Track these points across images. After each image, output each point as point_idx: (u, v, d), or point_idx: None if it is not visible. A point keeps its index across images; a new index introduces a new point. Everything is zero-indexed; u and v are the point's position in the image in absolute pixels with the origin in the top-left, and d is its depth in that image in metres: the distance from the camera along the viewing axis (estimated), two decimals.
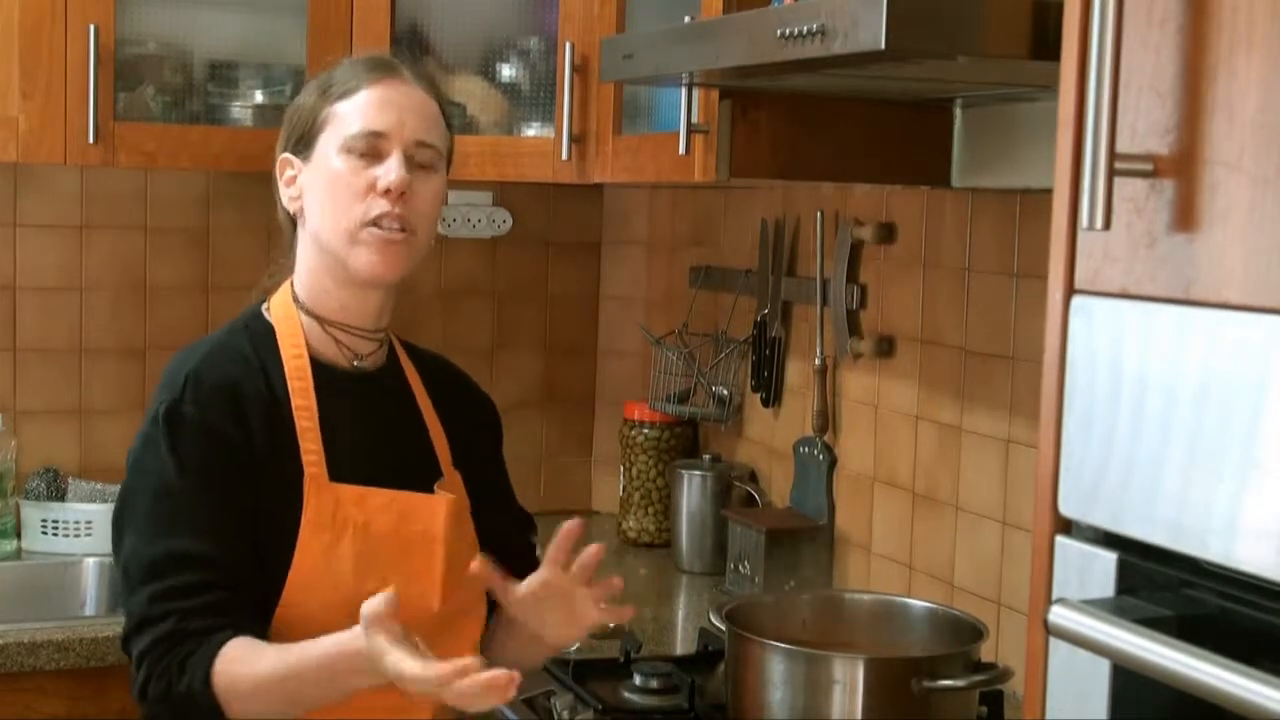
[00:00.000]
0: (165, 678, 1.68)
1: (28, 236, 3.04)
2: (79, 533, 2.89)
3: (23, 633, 2.44)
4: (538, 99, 2.84)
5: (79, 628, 2.46)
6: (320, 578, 1.75)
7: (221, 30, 2.90)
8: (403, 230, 1.81)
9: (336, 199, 1.81)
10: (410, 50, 2.87)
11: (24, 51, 2.66)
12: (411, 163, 1.82)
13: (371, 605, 1.55)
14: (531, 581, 1.77)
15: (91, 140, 2.68)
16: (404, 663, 1.54)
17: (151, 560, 1.72)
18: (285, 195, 1.88)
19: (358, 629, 1.57)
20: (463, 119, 2.87)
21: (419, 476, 1.87)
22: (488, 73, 2.90)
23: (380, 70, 1.86)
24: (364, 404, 1.87)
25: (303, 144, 1.86)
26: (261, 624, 1.72)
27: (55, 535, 2.90)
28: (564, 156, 2.64)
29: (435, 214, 1.87)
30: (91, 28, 2.66)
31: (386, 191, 1.79)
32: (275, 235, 1.98)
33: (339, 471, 1.79)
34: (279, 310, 1.87)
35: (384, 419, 1.90)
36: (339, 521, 1.77)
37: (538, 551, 1.92)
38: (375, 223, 1.80)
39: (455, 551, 1.83)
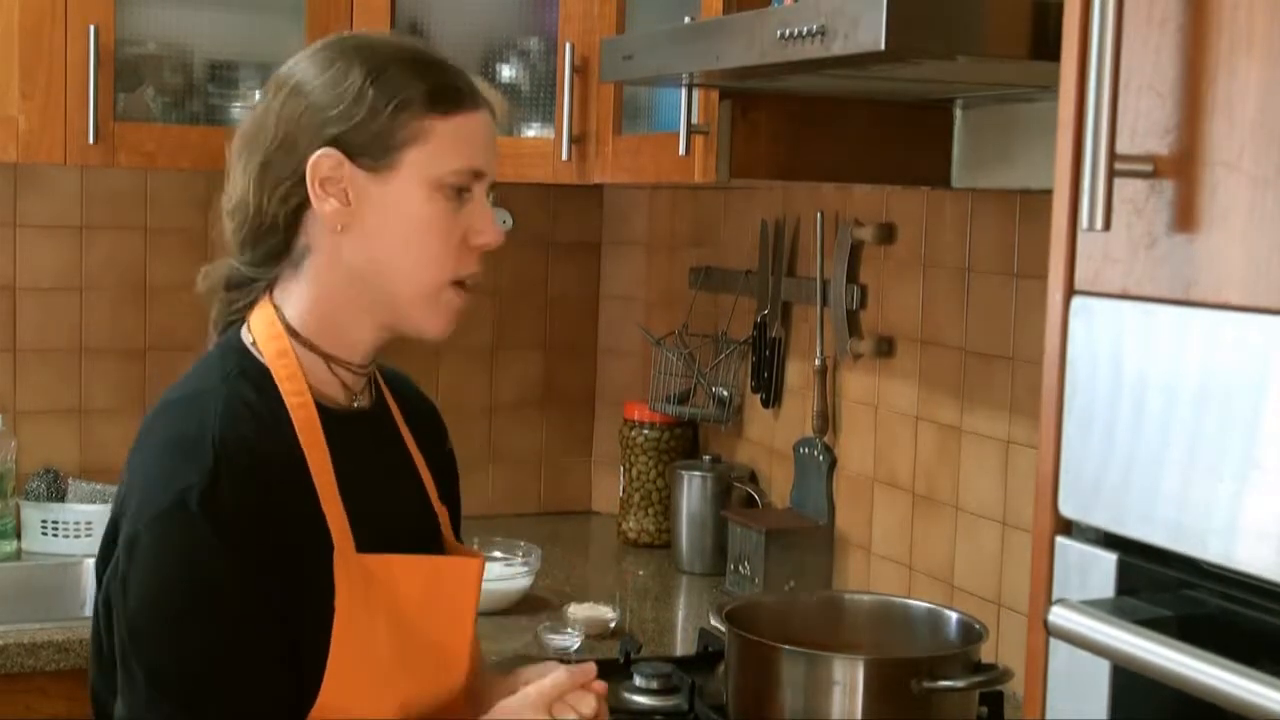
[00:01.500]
0: None
1: (28, 236, 3.04)
2: (79, 533, 2.89)
3: (23, 633, 2.44)
4: (538, 99, 2.84)
5: (79, 628, 2.46)
6: (361, 667, 1.50)
7: (221, 30, 2.91)
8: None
9: (425, 245, 1.53)
10: None
11: (24, 51, 2.66)
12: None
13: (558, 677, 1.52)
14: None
15: (91, 140, 2.68)
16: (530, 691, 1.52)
17: (209, 670, 1.44)
18: (325, 204, 1.52)
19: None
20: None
21: (425, 525, 1.69)
22: (488, 73, 2.90)
23: (477, 93, 1.57)
24: (369, 450, 1.61)
25: (371, 152, 1.51)
26: None
27: (55, 536, 2.90)
28: (564, 157, 2.64)
29: None
30: (91, 28, 2.66)
31: (484, 248, 1.57)
32: None
33: (362, 537, 1.52)
34: (267, 344, 1.56)
35: (387, 465, 1.66)
36: (373, 600, 1.51)
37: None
38: (461, 284, 1.58)
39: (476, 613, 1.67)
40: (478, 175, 1.55)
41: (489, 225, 1.56)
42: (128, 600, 1.46)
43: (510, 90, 2.89)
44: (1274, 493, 1.02)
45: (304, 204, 1.54)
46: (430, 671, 1.58)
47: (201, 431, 1.46)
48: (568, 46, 2.63)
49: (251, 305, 1.60)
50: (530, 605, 2.66)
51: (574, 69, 2.63)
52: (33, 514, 2.93)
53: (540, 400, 3.44)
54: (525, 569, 2.68)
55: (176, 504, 1.43)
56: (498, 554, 2.68)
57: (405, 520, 1.65)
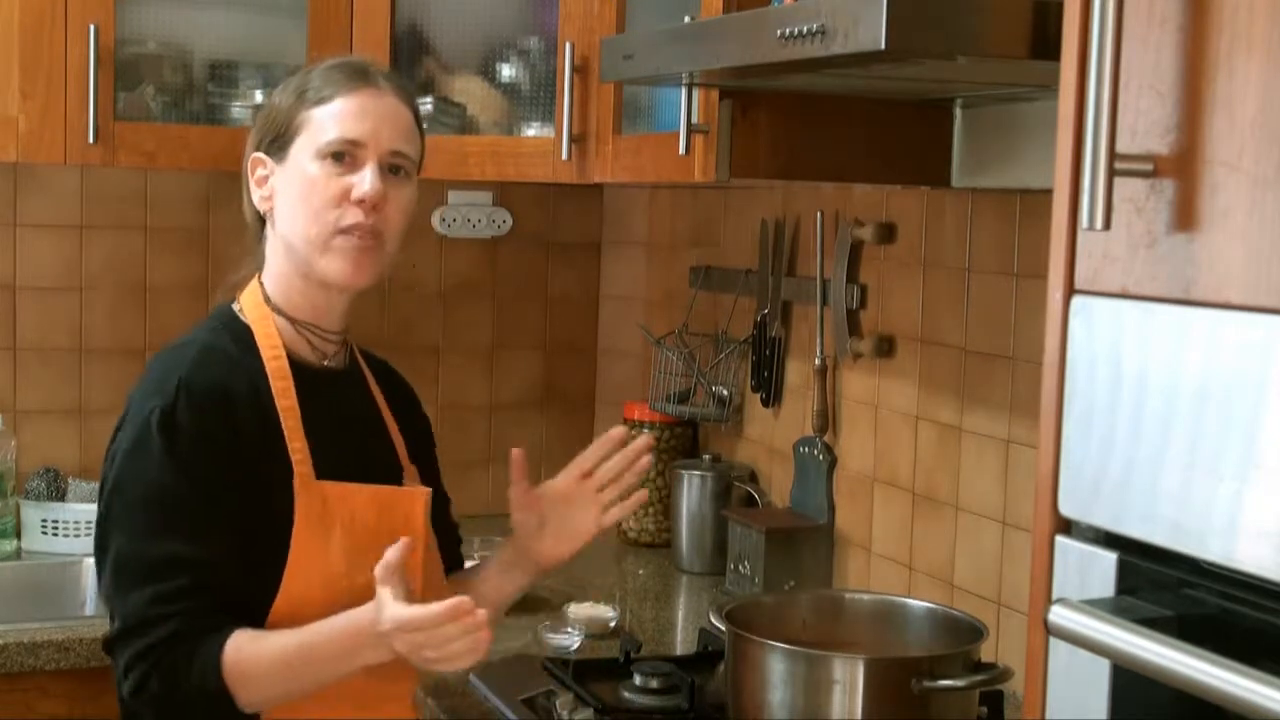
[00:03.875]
0: (171, 675, 1.72)
1: (28, 236, 3.04)
2: (79, 533, 2.89)
3: (23, 633, 2.44)
4: (538, 99, 2.84)
5: (79, 628, 2.46)
6: (314, 574, 1.79)
7: (221, 30, 2.91)
8: (374, 238, 1.85)
9: (309, 205, 1.84)
10: (410, 50, 2.87)
11: (24, 51, 2.67)
12: (385, 171, 1.85)
13: (389, 554, 1.70)
14: (548, 485, 1.99)
15: (91, 140, 2.68)
16: (401, 610, 1.67)
17: (150, 562, 1.74)
18: (256, 195, 1.90)
19: (368, 605, 1.71)
20: (463, 119, 2.87)
21: (387, 471, 1.94)
22: (488, 73, 2.90)
23: (357, 79, 1.87)
24: (336, 402, 1.91)
25: (276, 145, 1.88)
26: (256, 623, 1.76)
27: (55, 535, 2.91)
28: (564, 156, 2.64)
29: (405, 222, 1.90)
30: (91, 28, 2.66)
31: (360, 201, 1.83)
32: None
33: (322, 469, 1.82)
34: (252, 310, 1.89)
35: (353, 416, 1.95)
36: (328, 518, 1.81)
37: (466, 564, 2.13)
38: (347, 231, 1.84)
39: (428, 544, 1.92)
40: (353, 143, 1.84)
41: (366, 180, 1.83)
42: (104, 497, 1.81)
43: (510, 90, 2.89)
44: (1274, 493, 1.02)
45: (251, 192, 1.92)
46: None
47: (175, 369, 1.80)
48: (568, 46, 2.63)
49: (245, 282, 1.94)
50: (530, 605, 2.66)
51: (574, 69, 2.63)
52: (33, 513, 2.93)
53: (540, 400, 3.44)
54: None
55: (144, 421, 1.77)
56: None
57: (367, 462, 1.91)
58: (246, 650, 1.72)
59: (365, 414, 1.98)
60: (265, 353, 1.85)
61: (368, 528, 1.83)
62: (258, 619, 1.77)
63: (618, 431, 2.03)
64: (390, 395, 2.04)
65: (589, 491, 2.00)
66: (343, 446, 1.88)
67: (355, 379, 1.99)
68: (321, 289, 1.89)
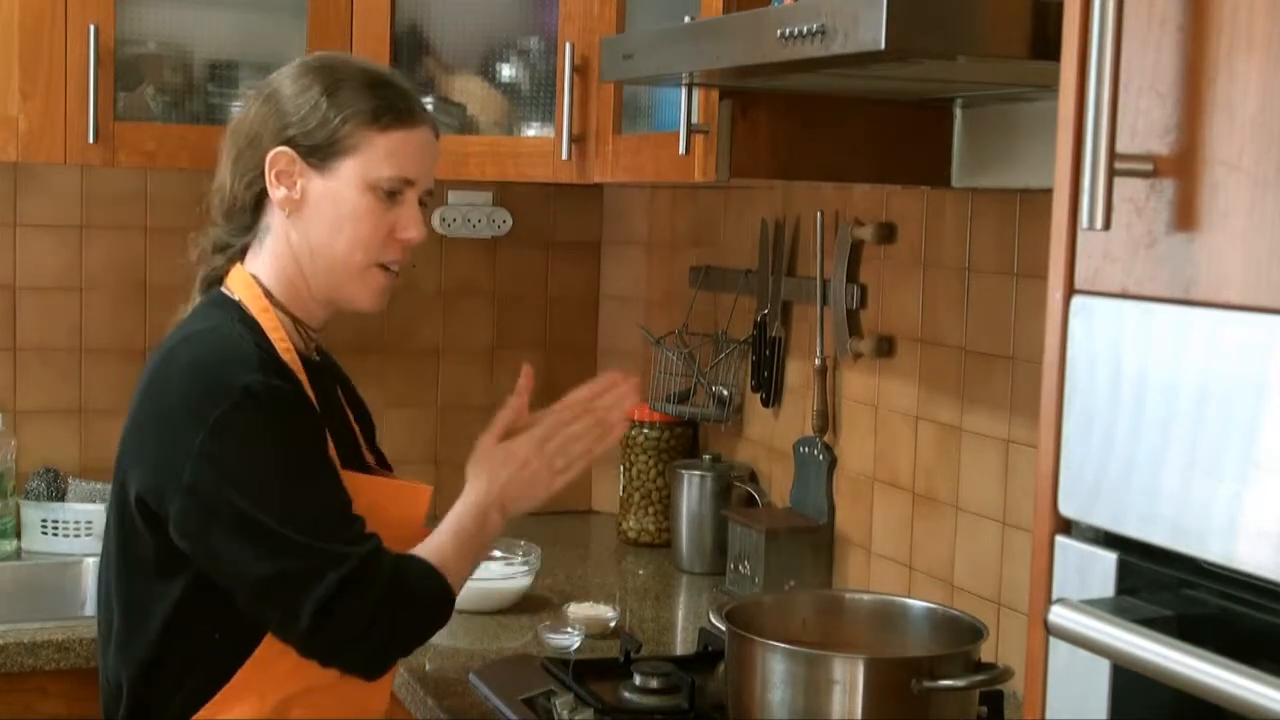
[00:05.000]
0: (409, 606, 1.77)
1: (28, 236, 3.04)
2: (79, 533, 2.89)
3: (23, 633, 2.44)
4: (538, 99, 2.84)
5: (79, 628, 2.46)
6: None
7: (221, 30, 2.91)
8: (400, 270, 1.91)
9: (356, 234, 1.85)
10: (410, 50, 2.87)
11: (24, 51, 2.67)
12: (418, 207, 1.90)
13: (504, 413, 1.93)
14: (537, 416, 2.01)
15: (91, 140, 2.68)
16: (533, 432, 1.92)
17: (335, 505, 1.77)
18: (278, 191, 1.86)
19: (469, 488, 1.88)
20: (463, 119, 2.87)
21: (359, 461, 1.97)
22: (488, 73, 2.90)
23: (414, 113, 1.88)
24: (328, 393, 1.94)
25: (318, 154, 1.85)
26: None
27: (55, 535, 2.91)
28: (564, 156, 2.64)
29: None
30: (91, 28, 2.66)
31: (406, 241, 1.87)
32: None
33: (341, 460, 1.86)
34: (253, 303, 1.88)
35: (335, 408, 1.98)
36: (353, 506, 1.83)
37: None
38: (385, 267, 1.88)
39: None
40: (408, 182, 1.86)
41: (413, 223, 1.87)
42: (232, 490, 1.72)
43: (510, 90, 2.89)
44: (1274, 493, 1.02)
45: (264, 191, 1.88)
46: None
47: (239, 348, 1.77)
48: (568, 46, 2.63)
49: (228, 267, 1.92)
50: (530, 605, 2.66)
51: (574, 69, 2.63)
52: (33, 514, 2.93)
53: (540, 400, 3.43)
54: (525, 568, 2.68)
55: (244, 395, 1.72)
56: (498, 553, 2.68)
57: (349, 451, 1.94)
58: (434, 558, 1.81)
59: (338, 405, 2.01)
60: (277, 345, 1.85)
61: (377, 519, 1.84)
62: None
63: (608, 378, 2.06)
64: (343, 387, 2.07)
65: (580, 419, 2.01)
66: (337, 436, 1.89)
67: (332, 370, 2.03)
68: (327, 302, 1.91)
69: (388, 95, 1.86)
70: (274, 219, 1.89)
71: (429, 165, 1.90)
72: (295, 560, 1.72)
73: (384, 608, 1.74)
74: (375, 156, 1.84)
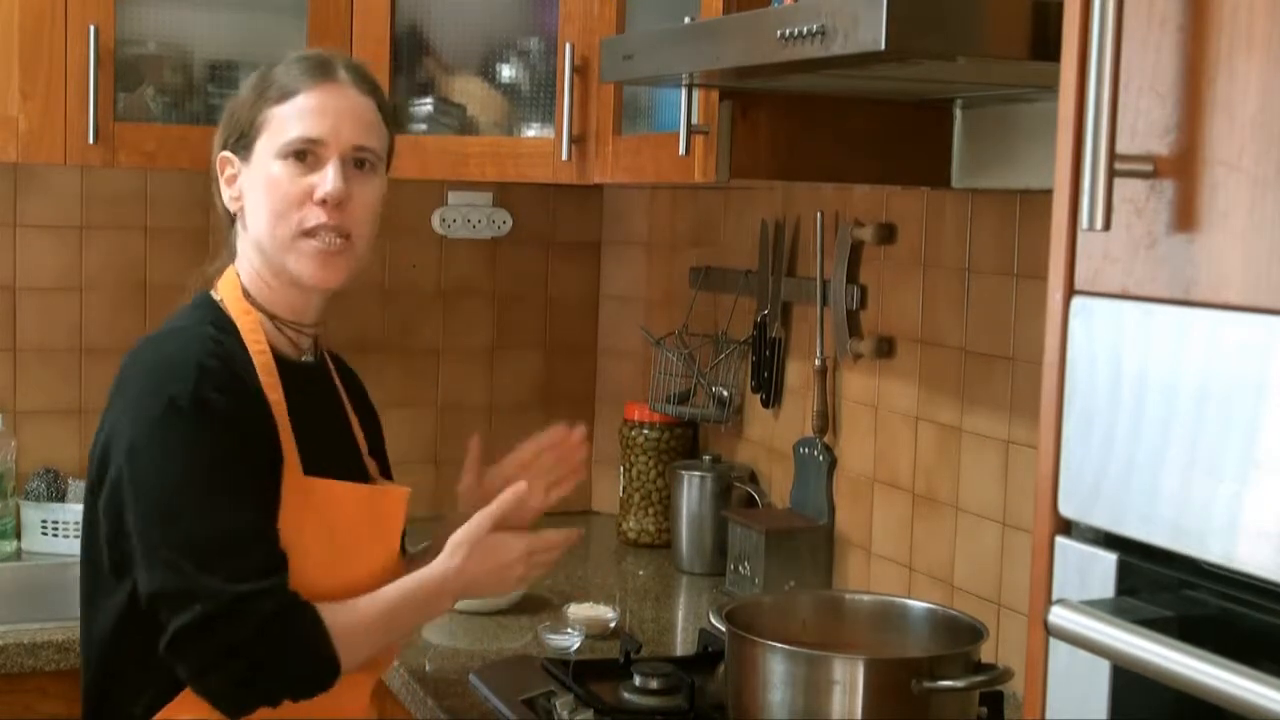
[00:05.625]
0: (280, 650, 1.70)
1: (28, 236, 3.04)
2: (79, 533, 2.88)
3: (23, 633, 2.44)
4: (538, 99, 2.84)
5: (79, 629, 2.46)
6: (293, 569, 1.77)
7: (221, 30, 2.90)
8: (340, 238, 1.84)
9: (274, 206, 1.84)
10: (410, 50, 2.87)
11: (24, 51, 2.66)
12: (349, 167, 1.84)
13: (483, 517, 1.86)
14: (492, 471, 2.06)
15: (91, 140, 2.68)
16: (534, 538, 1.89)
17: (223, 538, 1.71)
18: (226, 194, 1.91)
19: (439, 561, 1.84)
20: (463, 119, 2.87)
21: (356, 467, 1.97)
22: (488, 73, 2.90)
23: (318, 73, 1.86)
24: (315, 397, 1.92)
25: (241, 144, 1.88)
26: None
27: (55, 536, 2.90)
28: (564, 157, 2.64)
29: (374, 217, 1.89)
30: (91, 28, 2.66)
31: (322, 202, 1.82)
32: None
33: (308, 465, 1.82)
34: (233, 304, 1.88)
35: (327, 412, 1.96)
36: (307, 513, 1.79)
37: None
38: (311, 233, 1.83)
39: (401, 543, 1.98)
40: (313, 141, 1.83)
41: (328, 180, 1.82)
42: (139, 497, 1.72)
43: (510, 90, 2.89)
44: (1274, 493, 1.02)
45: (219, 192, 1.93)
46: (358, 581, 1.83)
47: (184, 355, 1.77)
48: (568, 46, 2.63)
49: (219, 274, 1.93)
50: (530, 605, 2.66)
51: (574, 69, 2.63)
52: (33, 514, 2.93)
53: (540, 400, 3.44)
54: None
55: (168, 408, 1.72)
56: None
57: (341, 457, 1.94)
58: (341, 617, 1.75)
59: (335, 409, 1.99)
60: (251, 346, 1.84)
61: (349, 525, 1.84)
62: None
63: (555, 432, 2.09)
64: (349, 389, 2.05)
65: (531, 475, 2.02)
66: (321, 442, 1.87)
67: (326, 374, 2.00)
68: (295, 287, 1.88)
69: (297, 68, 1.87)
70: (237, 222, 1.92)
71: (340, 122, 1.84)
72: (170, 582, 1.70)
73: (248, 651, 1.69)
74: (278, 127, 1.84)
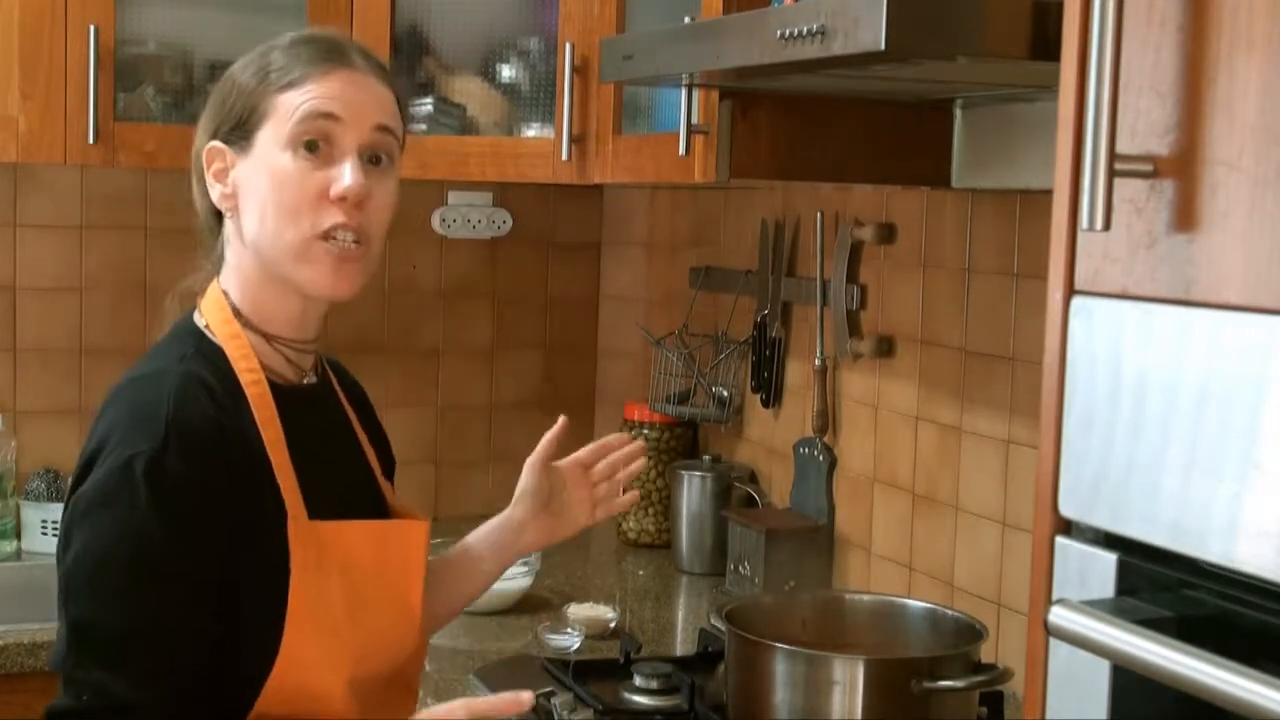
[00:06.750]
0: None
1: (28, 236, 3.04)
2: None
3: (23, 633, 2.44)
4: (538, 99, 2.84)
5: None
6: (313, 627, 1.57)
7: (221, 30, 2.90)
8: (358, 242, 1.60)
9: (282, 206, 1.59)
10: (410, 50, 2.87)
11: (24, 51, 2.66)
12: (365, 163, 1.61)
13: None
14: (559, 463, 1.95)
15: (91, 140, 2.68)
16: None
17: (125, 631, 1.49)
18: (215, 191, 1.64)
19: None
20: (463, 119, 2.87)
21: (371, 496, 1.78)
22: (488, 73, 2.90)
23: (331, 57, 1.63)
24: (318, 425, 1.70)
25: (238, 134, 1.62)
26: (250, 694, 1.55)
27: (55, 536, 2.89)
28: (564, 157, 2.64)
29: (389, 221, 1.66)
30: (91, 28, 2.66)
31: (341, 199, 1.58)
32: None
33: (314, 506, 1.60)
34: (220, 327, 1.64)
35: (335, 438, 1.75)
36: (325, 563, 1.59)
37: None
38: (328, 235, 1.59)
39: (426, 578, 1.77)
40: (329, 118, 1.60)
41: (347, 173, 1.59)
42: (66, 555, 1.52)
43: (510, 90, 2.89)
44: (1274, 493, 1.02)
45: (206, 194, 1.67)
46: (383, 627, 1.67)
47: (156, 405, 1.53)
48: (568, 46, 2.63)
49: (205, 283, 1.69)
50: (530, 605, 2.66)
51: (574, 69, 2.63)
52: (33, 514, 2.93)
53: (540, 400, 3.44)
54: (525, 569, 2.68)
55: (123, 468, 1.49)
56: None
57: (353, 490, 1.74)
58: None
59: (343, 433, 1.77)
60: (243, 377, 1.60)
61: (366, 568, 1.64)
62: (252, 689, 1.54)
63: (615, 437, 2.01)
64: (354, 403, 1.83)
65: (586, 483, 1.96)
66: (329, 476, 1.66)
67: (330, 394, 1.77)
68: (298, 298, 1.64)
69: (300, 50, 1.64)
70: (228, 225, 1.66)
71: (362, 109, 1.61)
72: (66, 658, 1.50)
73: None
74: (284, 115, 1.59)
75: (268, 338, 1.65)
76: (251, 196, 1.62)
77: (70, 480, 1.59)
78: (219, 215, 1.67)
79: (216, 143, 1.64)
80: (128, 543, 1.49)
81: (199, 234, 1.72)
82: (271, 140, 1.60)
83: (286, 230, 1.59)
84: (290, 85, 1.61)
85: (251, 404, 1.59)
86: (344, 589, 1.61)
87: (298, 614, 1.55)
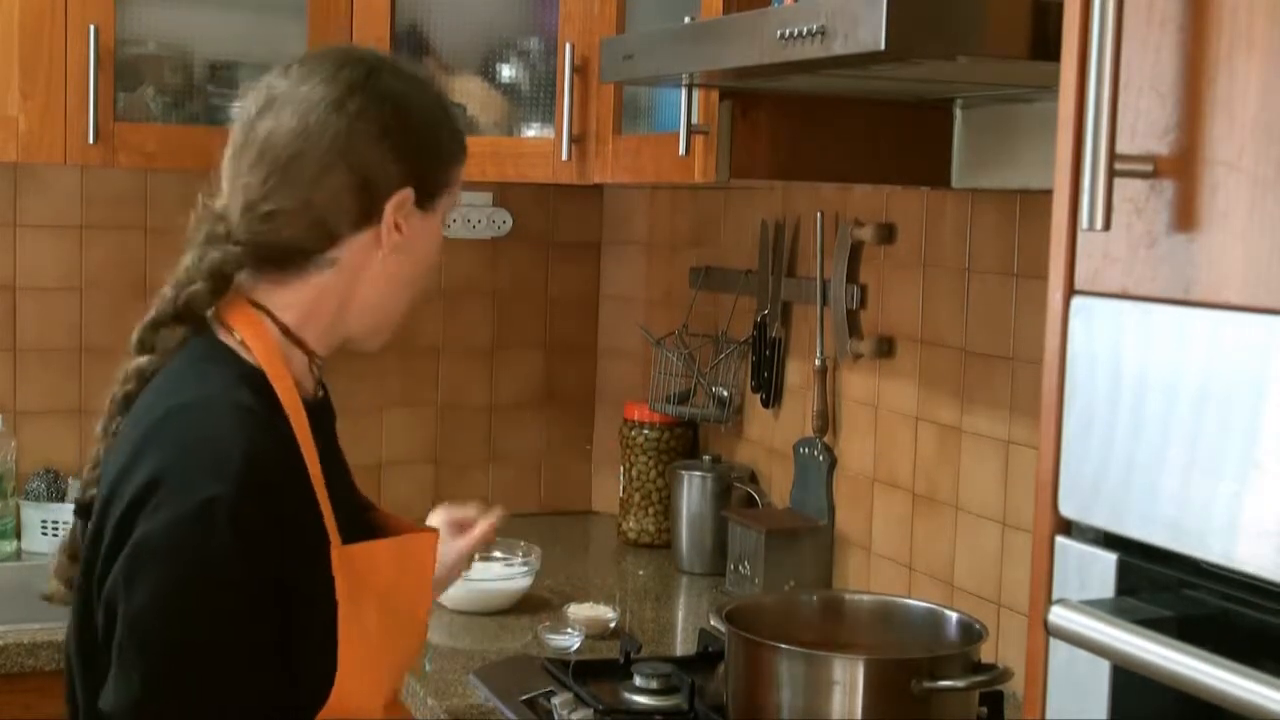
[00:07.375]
0: None
1: (28, 236, 3.04)
2: None
3: (23, 633, 2.44)
4: (538, 99, 2.84)
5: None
6: (356, 653, 1.53)
7: (221, 30, 2.90)
8: None
9: (418, 273, 1.66)
10: (410, 50, 2.87)
11: (24, 51, 2.67)
12: None
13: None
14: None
15: (91, 140, 2.68)
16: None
17: (215, 686, 1.43)
18: (390, 233, 1.57)
19: None
20: (463, 119, 2.87)
21: (363, 505, 1.77)
22: (488, 73, 2.90)
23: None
24: (329, 440, 1.65)
25: (428, 193, 1.60)
26: None
27: (55, 536, 2.90)
28: (564, 157, 2.64)
29: None
30: (91, 28, 2.66)
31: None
32: None
33: (344, 531, 1.55)
34: (258, 343, 1.56)
35: (336, 453, 1.69)
36: (362, 587, 1.54)
37: None
38: None
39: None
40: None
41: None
42: (132, 600, 1.43)
43: (510, 90, 2.89)
44: (1274, 493, 1.02)
45: (359, 224, 1.57)
46: (407, 641, 1.68)
47: (218, 442, 1.45)
48: (568, 46, 2.63)
49: (220, 296, 1.59)
50: (530, 605, 2.66)
51: (574, 69, 2.63)
52: (33, 514, 2.93)
53: (540, 400, 3.44)
54: (525, 569, 2.68)
55: (200, 513, 1.41)
56: (498, 554, 2.68)
57: (356, 503, 1.73)
58: None
59: (338, 447, 1.71)
60: (283, 397, 1.54)
61: (389, 582, 1.60)
62: None
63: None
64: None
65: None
66: (340, 492, 1.61)
67: (331, 406, 1.73)
68: (345, 340, 1.67)
69: (460, 121, 1.70)
70: (353, 254, 1.58)
71: None
72: (138, 705, 1.43)
73: None
74: (458, 186, 1.67)
75: (310, 355, 1.61)
76: (419, 253, 1.62)
77: (101, 505, 1.51)
78: (331, 237, 1.57)
79: (412, 191, 1.58)
80: (211, 590, 1.42)
81: (248, 226, 1.58)
82: (445, 209, 1.64)
83: (406, 297, 1.67)
84: (463, 158, 1.66)
85: (294, 428, 1.53)
86: (377, 610, 1.56)
87: (343, 647, 1.51)
